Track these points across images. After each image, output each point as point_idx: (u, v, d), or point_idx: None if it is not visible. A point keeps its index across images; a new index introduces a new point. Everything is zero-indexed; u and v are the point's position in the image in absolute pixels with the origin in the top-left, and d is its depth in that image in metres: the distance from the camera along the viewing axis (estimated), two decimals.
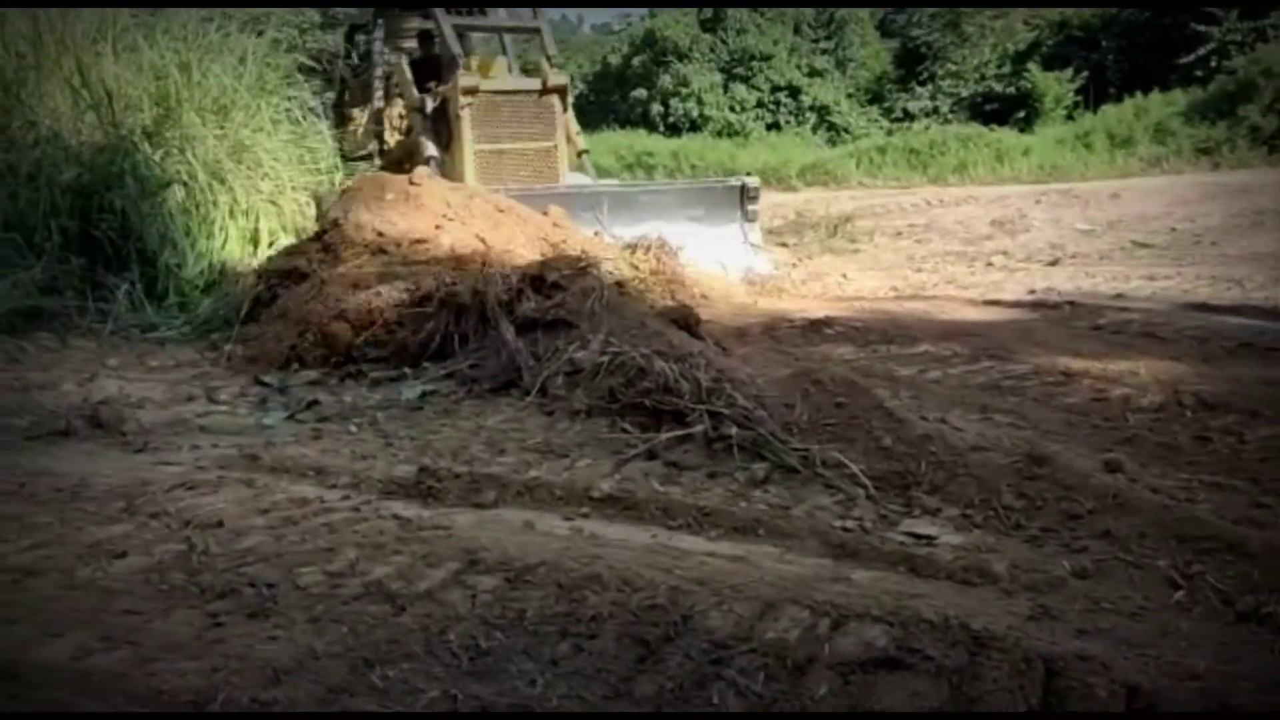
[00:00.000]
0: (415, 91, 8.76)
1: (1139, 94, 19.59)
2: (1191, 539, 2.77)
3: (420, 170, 7.10)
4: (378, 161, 9.45)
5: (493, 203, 6.62)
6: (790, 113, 26.87)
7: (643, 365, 4.11)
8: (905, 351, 5.13)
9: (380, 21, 9.94)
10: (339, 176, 8.67)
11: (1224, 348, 4.99)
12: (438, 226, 6.10)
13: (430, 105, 8.50)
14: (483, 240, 6.11)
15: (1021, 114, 22.83)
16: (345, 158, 9.68)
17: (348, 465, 3.77)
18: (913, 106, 25.91)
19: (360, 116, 10.35)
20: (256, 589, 2.70)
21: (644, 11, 31.90)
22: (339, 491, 3.50)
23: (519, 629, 2.48)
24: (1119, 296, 6.64)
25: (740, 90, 26.89)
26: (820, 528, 3.08)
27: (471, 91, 8.04)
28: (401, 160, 8.89)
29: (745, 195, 8.03)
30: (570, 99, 8.58)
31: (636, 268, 5.98)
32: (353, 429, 4.23)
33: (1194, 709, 2.07)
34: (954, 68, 25.98)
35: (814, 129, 26.45)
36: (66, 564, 2.82)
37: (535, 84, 8.30)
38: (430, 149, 8.21)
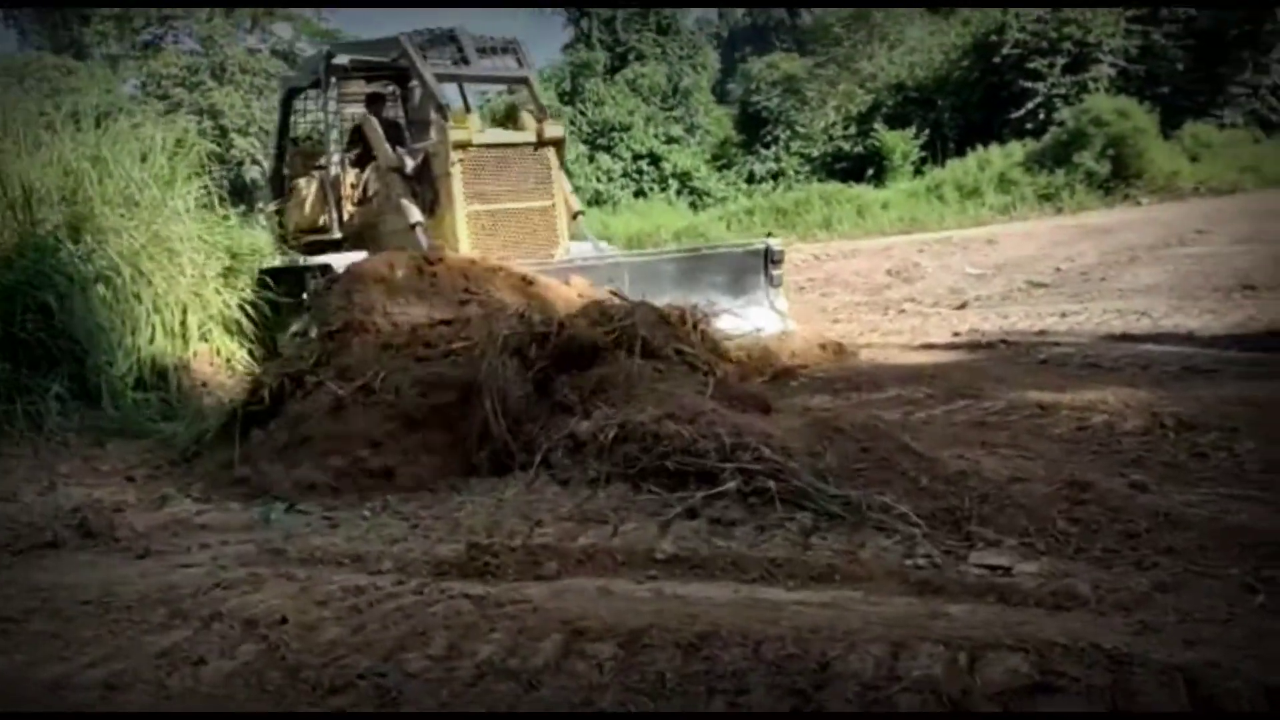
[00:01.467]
0: (391, 150, 7.88)
1: (980, 147, 20.87)
2: (1252, 546, 2.97)
3: (430, 248, 6.54)
4: (336, 234, 8.58)
5: (518, 275, 6.05)
6: (653, 180, 27.47)
7: (655, 431, 4.12)
8: (878, 396, 5.31)
9: (334, 80, 9.03)
10: (279, 260, 8.38)
11: (1168, 372, 5.36)
12: (463, 303, 5.57)
13: (411, 165, 7.59)
14: (520, 316, 5.55)
15: (871, 171, 23.98)
16: (291, 235, 9.18)
17: (383, 550, 3.66)
18: (759, 169, 26.88)
19: (306, 188, 9.25)
20: (368, 681, 2.59)
21: (502, 88, 32.18)
22: (389, 576, 3.40)
23: (664, 691, 2.46)
24: (1042, 333, 7.04)
25: (605, 160, 27.38)
26: (893, 568, 3.17)
27: (463, 146, 7.18)
28: (362, 232, 8.36)
29: (770, 260, 7.39)
30: (566, 153, 7.89)
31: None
32: (366, 514, 4.10)
33: None
34: (803, 129, 27.13)
35: (677, 194, 27.10)
36: (148, 675, 2.65)
37: (530, 136, 7.47)
38: (414, 214, 7.27)
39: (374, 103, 9.04)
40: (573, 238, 7.98)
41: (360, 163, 8.75)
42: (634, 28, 30.05)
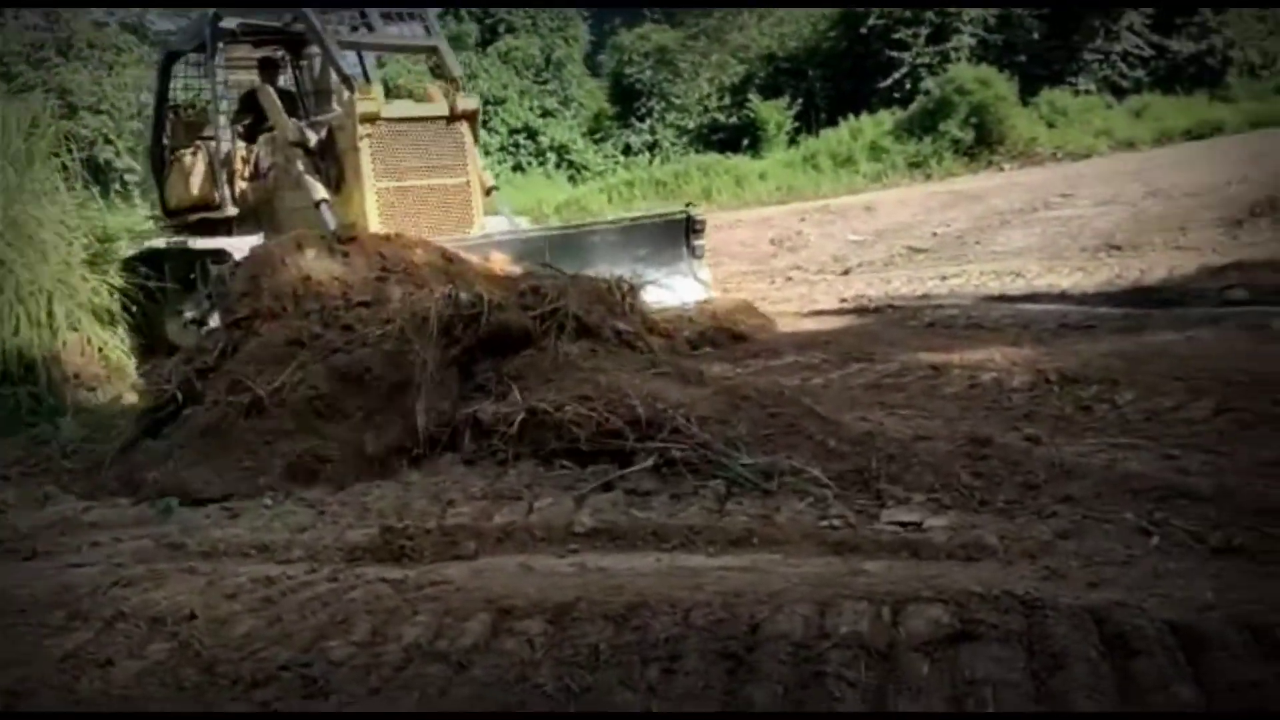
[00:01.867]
0: (291, 123, 7.29)
1: (851, 116, 21.29)
2: (1144, 491, 3.13)
3: (343, 226, 5.98)
4: (231, 211, 7.97)
5: (438, 251, 5.70)
6: (531, 154, 27.21)
7: (561, 418, 4.06)
8: (776, 363, 5.41)
9: (221, 46, 8.30)
10: (161, 241, 7.94)
11: (1047, 330, 5.61)
12: (380, 279, 5.25)
13: (314, 139, 7.06)
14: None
15: (747, 142, 24.24)
16: (173, 212, 8.60)
17: (291, 538, 3.56)
18: (634, 141, 26.90)
19: (191, 161, 8.50)
20: (292, 672, 2.53)
21: (379, 63, 31.35)
22: (300, 565, 3.31)
23: (599, 664, 2.46)
24: (925, 296, 7.27)
25: (481, 134, 26.98)
26: (809, 530, 3.24)
27: (372, 119, 6.70)
28: (257, 209, 7.83)
29: (691, 229, 7.19)
30: (479, 127, 7.45)
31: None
32: (268, 503, 3.98)
33: (1229, 634, 2.35)
34: (677, 101, 27.23)
35: (556, 167, 26.92)
36: (54, 680, 2.53)
37: (442, 109, 7.05)
38: (319, 191, 6.77)
39: (267, 70, 8.44)
40: (486, 213, 7.65)
41: (250, 134, 8.21)
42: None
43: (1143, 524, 2.98)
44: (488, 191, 7.42)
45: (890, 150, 20.11)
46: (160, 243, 8.06)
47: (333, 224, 6.17)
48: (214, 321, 6.03)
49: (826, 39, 23.33)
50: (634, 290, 5.15)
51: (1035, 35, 20.22)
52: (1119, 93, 19.69)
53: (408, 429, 4.29)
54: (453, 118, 6.99)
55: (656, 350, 4.84)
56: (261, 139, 8.00)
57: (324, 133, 6.99)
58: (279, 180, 7.54)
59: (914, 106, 20.86)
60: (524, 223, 8.05)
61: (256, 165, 7.96)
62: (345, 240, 5.44)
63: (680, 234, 7.09)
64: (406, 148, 6.79)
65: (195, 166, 8.41)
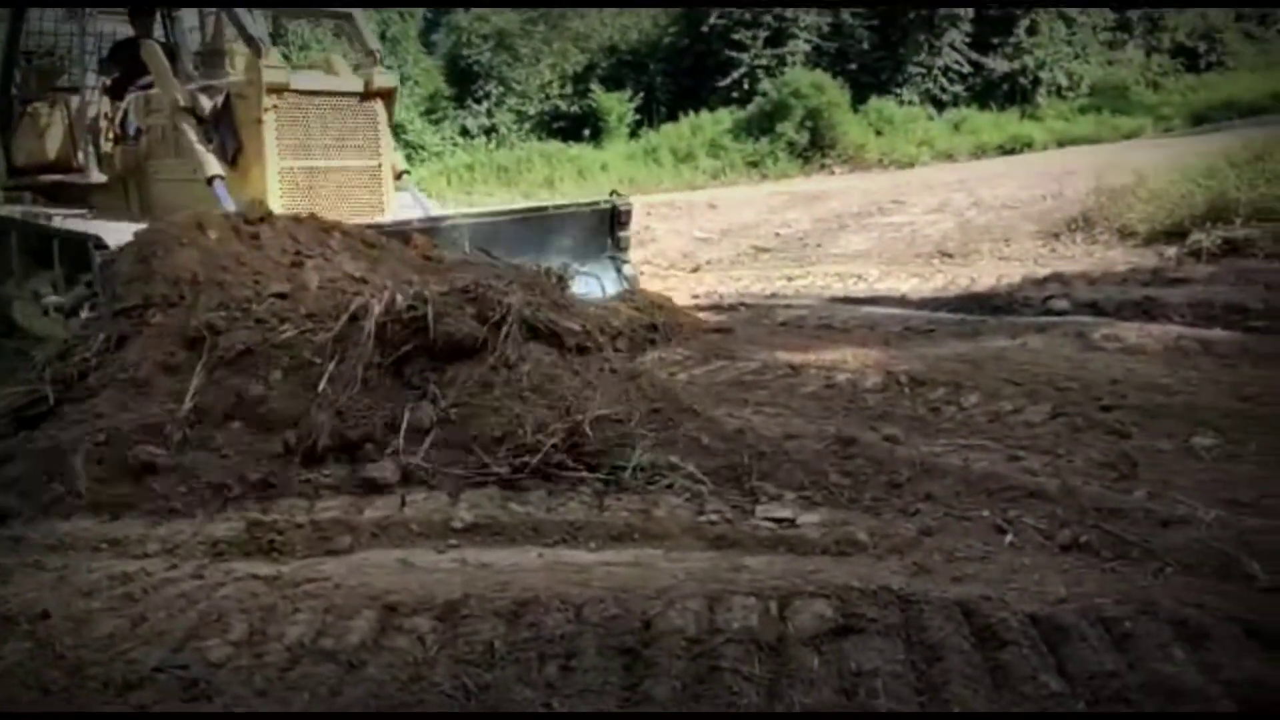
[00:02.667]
0: (179, 86, 6.37)
1: (692, 113, 21.66)
2: (997, 491, 3.35)
3: (248, 205, 5.37)
4: (97, 177, 7.13)
5: (356, 235, 5.22)
6: None
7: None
8: (640, 359, 5.45)
9: None
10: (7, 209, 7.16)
11: (893, 333, 5.88)
12: (294, 265, 4.77)
13: (208, 106, 6.21)
14: (361, 280, 4.73)
15: (589, 131, 24.30)
16: (20, 170, 7.70)
17: (145, 533, 3.38)
18: (471, 124, 26.56)
19: (48, 116, 7.52)
20: (167, 673, 2.41)
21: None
22: (159, 560, 3.16)
23: (495, 661, 2.46)
24: (774, 296, 7.49)
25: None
26: (688, 525, 3.31)
27: (279, 90, 5.96)
28: (125, 177, 7.02)
29: (616, 220, 6.69)
30: (396, 107, 6.76)
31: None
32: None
33: (1082, 624, 2.56)
34: (517, 86, 27.02)
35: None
36: None
37: (356, 84, 6.37)
38: (213, 165, 5.99)
39: (141, 20, 7.61)
40: (408, 199, 7.17)
41: (117, 91, 7.41)
42: None
43: (998, 521, 3.18)
44: (398, 176, 6.90)
45: (729, 148, 20.55)
46: (9, 210, 7.26)
47: (229, 203, 5.58)
48: (86, 312, 5.47)
49: (668, 34, 23.62)
50: (564, 283, 4.96)
51: (865, 45, 21.05)
52: (939, 105, 20.72)
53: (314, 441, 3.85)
54: (367, 95, 6.37)
55: (606, 352, 4.51)
56: (131, 97, 7.16)
57: (220, 100, 6.19)
58: (154, 147, 6.75)
59: (752, 107, 21.38)
60: (433, 206, 7.47)
61: (123, 126, 7.15)
62: (253, 221, 4.92)
63: (605, 224, 6.72)
64: (315, 124, 6.16)
65: (52, 122, 7.53)
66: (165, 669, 2.43)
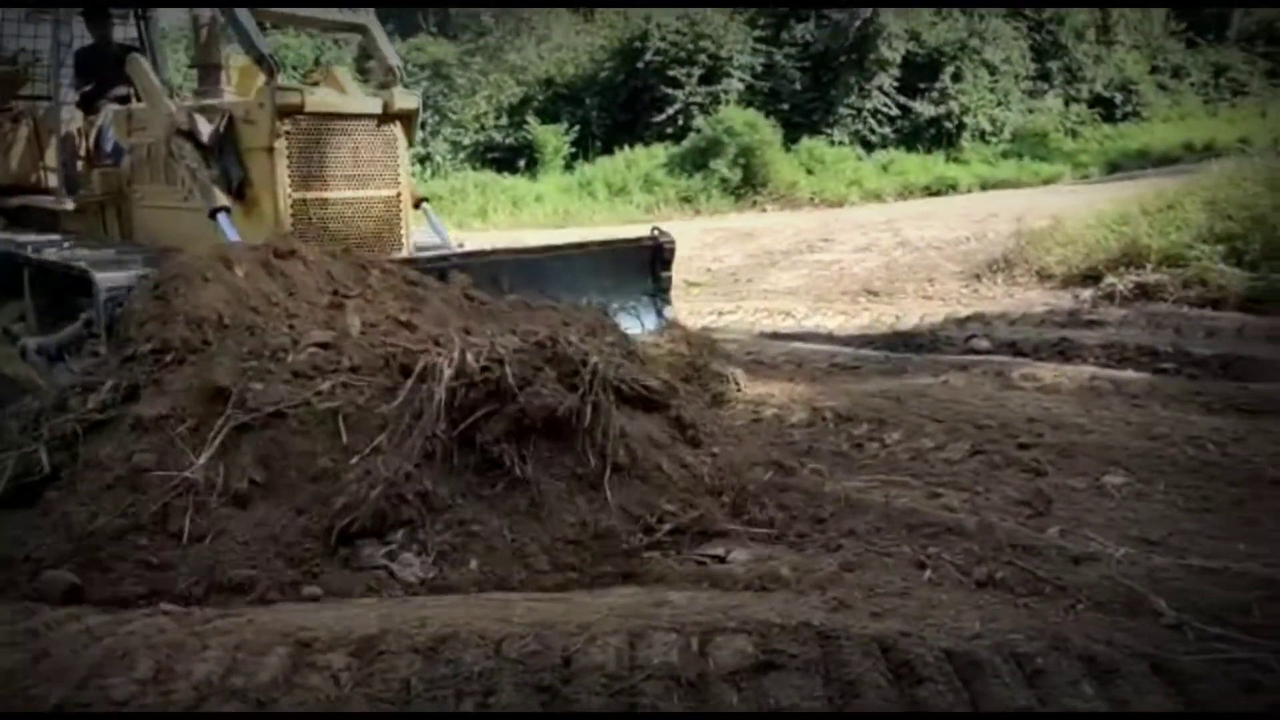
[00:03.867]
0: (175, 106, 5.63)
1: (626, 147, 21.83)
2: (917, 527, 3.40)
3: (277, 235, 4.74)
4: (67, 203, 6.37)
5: (397, 273, 4.63)
6: None
7: None
8: None
9: None
10: None
11: (819, 369, 5.95)
12: (333, 307, 4.15)
13: (207, 130, 5.48)
14: (408, 326, 4.14)
15: (524, 163, 24.35)
16: None
17: None
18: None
19: (13, 129, 6.84)
20: (70, 711, 2.33)
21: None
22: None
23: (410, 698, 2.42)
24: (705, 329, 7.53)
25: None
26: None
27: (293, 112, 5.27)
28: (105, 201, 6.33)
29: (659, 258, 6.01)
30: (416, 129, 6.01)
31: None
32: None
33: (996, 660, 2.60)
34: (453, 116, 27.01)
35: None
36: None
37: (374, 105, 5.68)
38: (218, 197, 5.26)
39: (97, 22, 6.88)
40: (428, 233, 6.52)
41: (86, 103, 6.72)
42: None
43: (918, 557, 3.23)
44: (417, 204, 6.22)
45: (663, 183, 20.72)
46: None
47: (234, 238, 5.00)
48: (75, 356, 4.89)
49: (604, 69, 23.80)
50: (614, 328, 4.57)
51: (798, 86, 21.43)
52: (868, 146, 21.15)
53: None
54: (386, 117, 5.67)
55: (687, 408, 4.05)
56: (109, 111, 6.43)
57: (222, 123, 5.44)
58: (139, 170, 6.04)
59: (686, 143, 21.61)
60: (452, 237, 6.73)
61: (98, 144, 6.48)
62: (284, 255, 4.34)
63: (647, 261, 6.05)
64: (330, 150, 5.47)
65: (15, 137, 6.85)
66: (67, 706, 2.35)
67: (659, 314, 5.99)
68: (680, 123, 22.20)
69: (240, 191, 5.34)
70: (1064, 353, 6.39)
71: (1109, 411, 5.13)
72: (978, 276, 9.00)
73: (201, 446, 3.43)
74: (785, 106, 21.66)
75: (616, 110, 24.86)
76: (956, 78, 21.15)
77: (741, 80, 21.93)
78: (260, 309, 4.00)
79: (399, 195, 5.73)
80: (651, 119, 22.70)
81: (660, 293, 6.04)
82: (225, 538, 3.25)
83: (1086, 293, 8.01)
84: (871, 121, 21.29)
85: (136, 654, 2.61)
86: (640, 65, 22.46)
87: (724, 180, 20.07)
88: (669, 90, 22.21)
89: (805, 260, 10.29)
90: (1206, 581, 3.11)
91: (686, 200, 19.99)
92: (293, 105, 5.24)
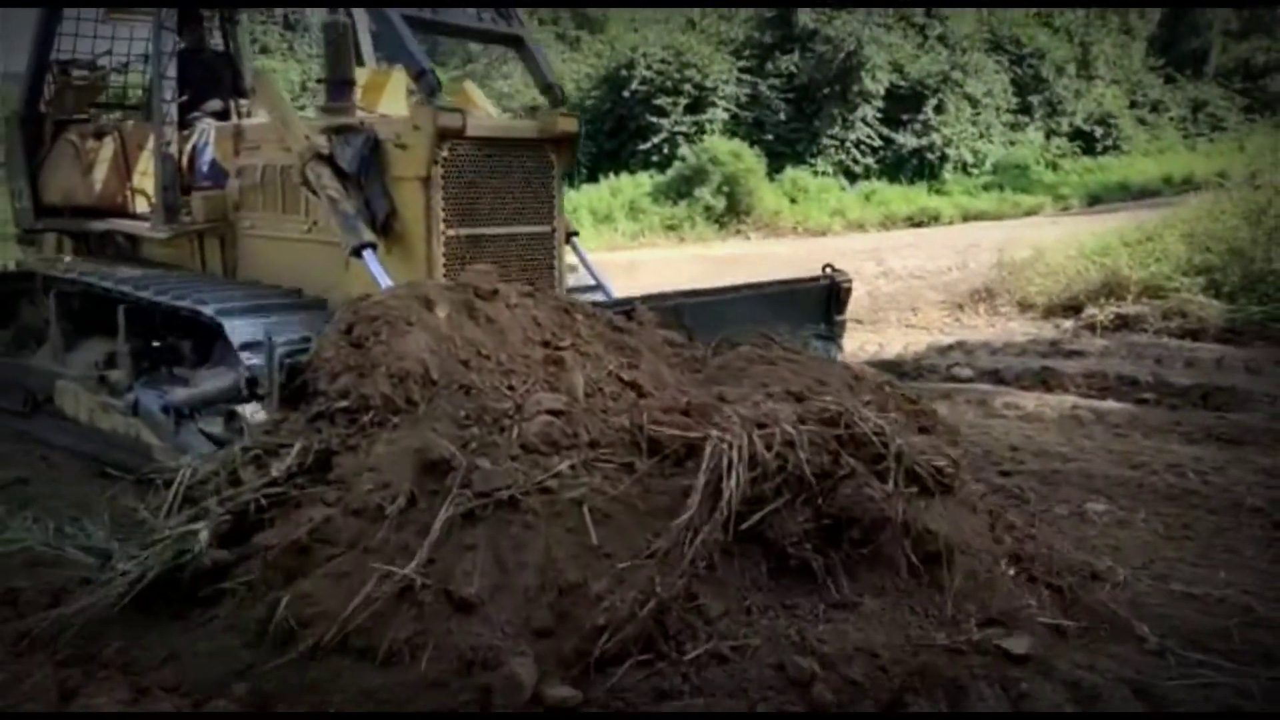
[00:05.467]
0: (310, 127, 4.78)
1: (612, 175, 21.96)
2: None
3: (476, 271, 3.87)
4: (160, 231, 5.55)
5: (601, 319, 3.92)
6: None
7: None
8: None
9: None
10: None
11: None
12: (550, 361, 3.48)
13: (349, 156, 4.68)
14: (633, 386, 3.48)
15: None
16: (49, 211, 6.28)
17: None
18: None
19: (96, 146, 6.11)
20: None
21: None
22: None
23: None
24: None
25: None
26: None
27: (453, 135, 4.58)
28: (204, 235, 5.53)
29: (834, 299, 5.43)
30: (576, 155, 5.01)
31: None
32: None
33: (981, 685, 2.61)
34: None
35: None
36: None
37: (531, 129, 4.96)
38: (362, 230, 4.44)
39: (189, 26, 6.16)
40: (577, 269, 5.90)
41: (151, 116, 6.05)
42: (259, 22, 28.60)
43: None
44: (567, 238, 5.47)
45: (648, 211, 20.83)
46: (52, 267, 5.87)
47: (384, 279, 4.30)
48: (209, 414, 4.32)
49: (590, 97, 23.98)
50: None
51: (782, 116, 21.63)
52: (851, 177, 21.36)
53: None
54: (544, 141, 4.96)
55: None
56: (207, 126, 5.77)
57: (364, 146, 4.69)
58: (249, 195, 5.30)
59: (671, 171, 21.76)
60: (608, 279, 6.05)
61: (191, 164, 5.77)
62: (487, 295, 3.64)
63: (822, 302, 5.47)
64: (487, 180, 4.79)
65: (100, 154, 6.10)
66: None
67: (831, 357, 5.35)
68: (665, 151, 22.36)
69: (386, 226, 4.63)
70: (1046, 382, 6.45)
71: (1090, 440, 5.19)
72: (960, 306, 9.09)
73: (410, 530, 2.74)
74: (769, 136, 21.86)
75: (602, 138, 25.00)
76: (939, 110, 21.41)
77: (726, 110, 22.12)
78: (470, 362, 3.31)
79: (553, 231, 5.03)
80: (637, 147, 22.85)
81: (834, 337, 5.49)
82: (446, 653, 2.51)
83: (1068, 323, 8.11)
84: (855, 152, 21.50)
85: None
86: (626, 94, 22.63)
87: (708, 208, 20.20)
88: (654, 119, 22.38)
89: None
90: (1188, 607, 3.15)
91: (671, 228, 20.10)
92: (454, 128, 4.56)
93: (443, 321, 3.40)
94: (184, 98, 5.89)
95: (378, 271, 4.34)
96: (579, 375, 3.39)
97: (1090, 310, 8.07)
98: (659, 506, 2.85)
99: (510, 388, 3.26)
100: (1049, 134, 23.57)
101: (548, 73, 5.28)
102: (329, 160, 4.64)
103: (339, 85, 5.08)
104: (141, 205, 6.17)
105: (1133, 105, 25.26)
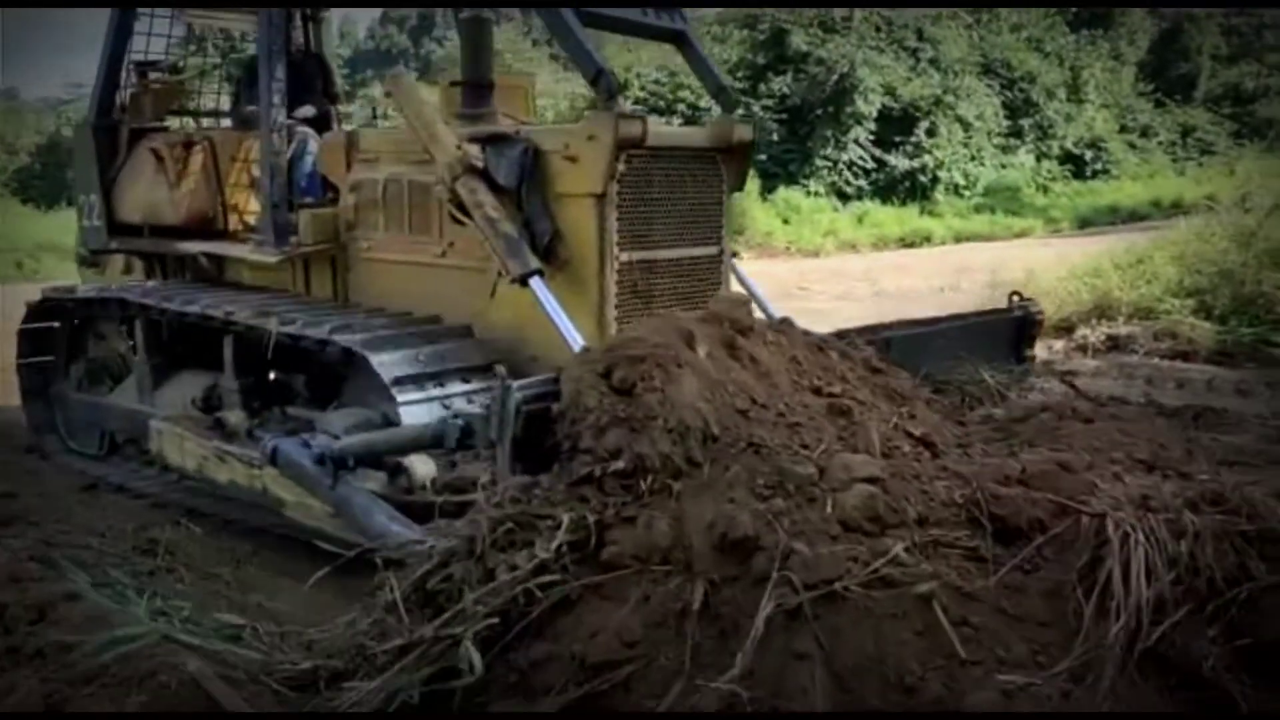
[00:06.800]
0: (450, 134, 4.11)
1: None
2: None
3: (726, 300, 3.35)
4: (268, 254, 4.86)
5: (857, 358, 3.32)
6: None
7: None
8: None
9: None
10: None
11: None
12: (836, 411, 2.92)
13: (504, 170, 4.05)
14: (926, 444, 2.91)
15: None
16: (124, 229, 5.62)
17: None
18: None
19: (183, 156, 5.46)
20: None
21: None
22: None
23: None
24: None
25: None
26: None
27: (632, 145, 3.99)
28: (310, 257, 4.87)
29: (1025, 332, 4.83)
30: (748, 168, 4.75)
31: None
32: None
33: None
34: None
35: None
36: None
37: (703, 136, 4.41)
38: (528, 258, 3.85)
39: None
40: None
41: (243, 123, 5.62)
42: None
43: None
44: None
45: None
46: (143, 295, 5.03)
47: (560, 316, 3.75)
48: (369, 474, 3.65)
49: (584, 117, 24.10)
50: None
51: (775, 137, 21.75)
52: (844, 197, 21.47)
53: None
54: (715, 151, 4.37)
55: None
56: (305, 135, 5.21)
57: (523, 158, 4.07)
58: (367, 214, 4.67)
59: None
60: (767, 299, 5.34)
61: (288, 177, 5.12)
62: (744, 330, 3.07)
63: (1012, 335, 4.85)
64: (658, 196, 4.18)
65: (189, 166, 5.44)
66: None
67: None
68: None
69: (549, 250, 4.02)
70: None
71: None
72: None
73: (713, 630, 2.24)
74: (762, 157, 21.96)
75: None
76: (931, 132, 21.56)
77: None
78: (749, 411, 2.75)
79: (720, 253, 4.50)
80: None
81: (1024, 375, 4.83)
82: None
83: (1060, 344, 8.12)
84: (847, 173, 21.63)
85: None
86: None
87: None
88: None
89: (783, 308, 10.34)
90: None
91: None
92: (635, 137, 3.98)
93: (704, 360, 2.85)
94: (243, 105, 5.59)
95: (550, 303, 3.80)
96: (874, 431, 2.85)
97: (1082, 331, 8.10)
98: (1029, 610, 2.26)
99: (804, 446, 2.68)
100: (1039, 157, 23.75)
101: (718, 73, 4.78)
102: (485, 175, 4.05)
103: (477, 88, 4.53)
104: (233, 223, 5.57)
105: (1122, 129, 25.49)
